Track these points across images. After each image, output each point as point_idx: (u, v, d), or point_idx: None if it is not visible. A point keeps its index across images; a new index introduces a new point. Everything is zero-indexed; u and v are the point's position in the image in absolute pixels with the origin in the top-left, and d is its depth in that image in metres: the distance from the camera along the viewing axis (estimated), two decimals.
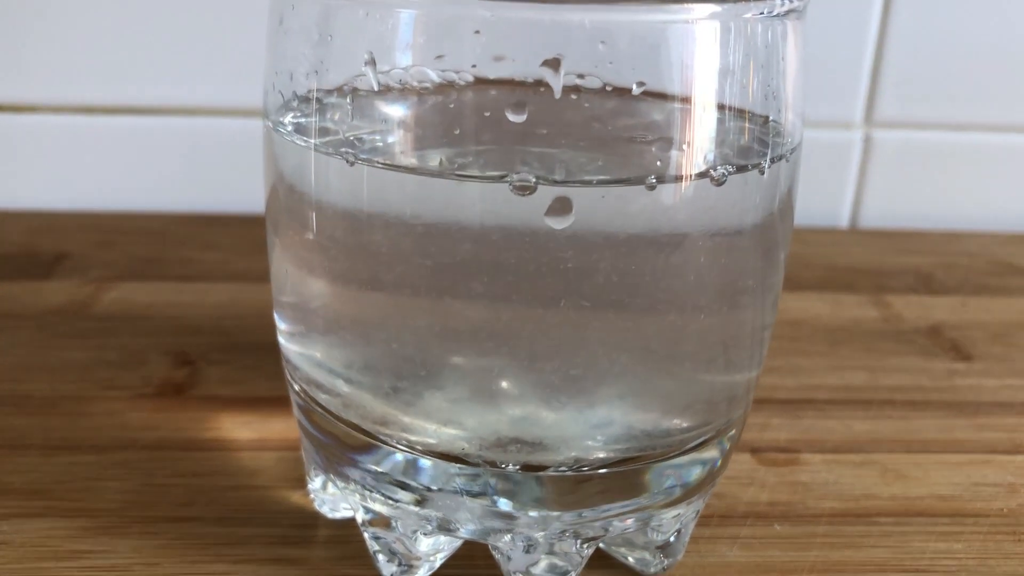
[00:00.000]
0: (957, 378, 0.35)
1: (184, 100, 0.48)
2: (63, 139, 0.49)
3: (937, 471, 0.29)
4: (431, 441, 0.22)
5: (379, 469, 0.23)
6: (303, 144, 0.21)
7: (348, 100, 0.21)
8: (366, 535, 0.24)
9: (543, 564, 0.23)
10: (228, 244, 0.45)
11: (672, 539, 0.24)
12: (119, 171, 0.49)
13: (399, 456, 0.22)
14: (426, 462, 0.22)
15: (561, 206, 0.19)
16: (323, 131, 0.22)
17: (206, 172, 0.50)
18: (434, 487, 0.22)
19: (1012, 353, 0.38)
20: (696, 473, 0.23)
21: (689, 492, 0.23)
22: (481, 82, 0.21)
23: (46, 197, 0.49)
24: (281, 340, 0.25)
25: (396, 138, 0.23)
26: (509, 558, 0.23)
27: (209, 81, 0.48)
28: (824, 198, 0.52)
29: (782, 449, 0.30)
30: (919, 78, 0.50)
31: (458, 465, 0.22)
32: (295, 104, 0.22)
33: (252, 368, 0.34)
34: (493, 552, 0.23)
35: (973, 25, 0.50)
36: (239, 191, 0.47)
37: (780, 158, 0.22)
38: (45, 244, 0.44)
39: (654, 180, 0.20)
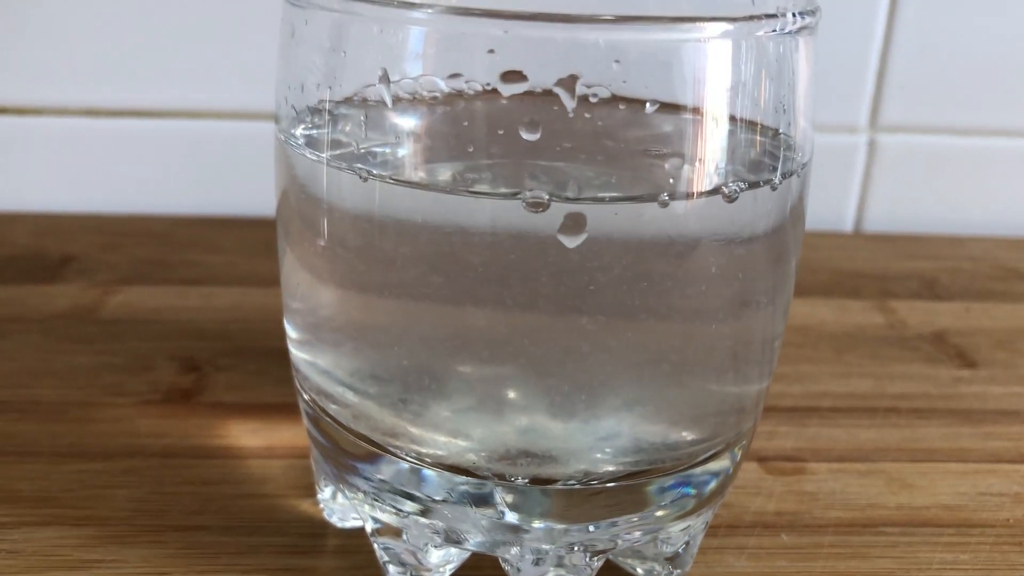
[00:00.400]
0: (962, 385, 0.35)
1: (189, 103, 0.48)
2: (68, 142, 0.49)
3: (943, 480, 0.30)
4: (440, 453, 0.22)
5: (383, 478, 0.23)
6: (315, 158, 0.21)
7: (361, 115, 0.21)
8: (375, 545, 0.24)
9: None
10: (232, 247, 0.45)
11: (681, 550, 0.24)
12: (124, 173, 0.49)
13: (404, 465, 0.22)
14: (430, 472, 0.22)
15: (574, 223, 0.19)
16: (335, 143, 0.22)
17: (210, 174, 0.50)
18: (437, 497, 0.22)
19: (1016, 360, 0.38)
20: (707, 486, 0.23)
21: (699, 504, 0.23)
22: (493, 94, 0.21)
23: (52, 199, 0.49)
24: (291, 349, 0.25)
25: (407, 152, 0.23)
26: (518, 570, 0.23)
27: (214, 84, 0.48)
28: (828, 202, 0.52)
29: (788, 458, 0.30)
30: (924, 82, 0.50)
31: (466, 477, 0.22)
32: (307, 117, 0.22)
33: (258, 373, 0.34)
34: (502, 564, 0.23)
35: (978, 29, 0.50)
36: (243, 193, 0.47)
37: (792, 173, 0.22)
38: (51, 246, 0.44)
39: (667, 197, 0.20)
